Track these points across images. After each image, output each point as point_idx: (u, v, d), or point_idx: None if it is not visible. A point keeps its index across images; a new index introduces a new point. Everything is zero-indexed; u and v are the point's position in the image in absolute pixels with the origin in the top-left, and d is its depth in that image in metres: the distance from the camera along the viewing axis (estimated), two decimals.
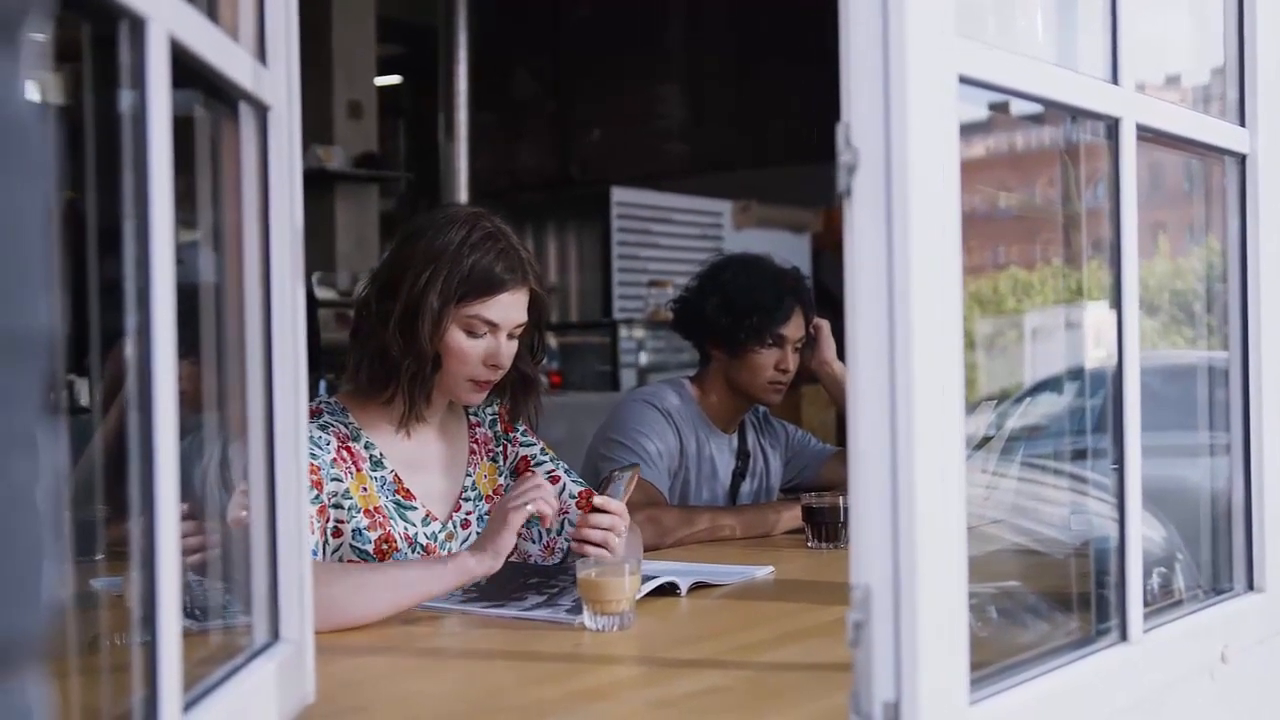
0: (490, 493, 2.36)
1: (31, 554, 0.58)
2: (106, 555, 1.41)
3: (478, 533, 2.29)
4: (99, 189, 1.05)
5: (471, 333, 2.19)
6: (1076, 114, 1.56)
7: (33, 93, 0.60)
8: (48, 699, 0.61)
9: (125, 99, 1.02)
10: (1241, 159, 1.81)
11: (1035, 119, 1.73)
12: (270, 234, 1.37)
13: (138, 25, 1.00)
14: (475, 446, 2.38)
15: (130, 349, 1.02)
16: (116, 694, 1.14)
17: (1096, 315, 1.90)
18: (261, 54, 1.35)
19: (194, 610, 1.38)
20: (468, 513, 2.33)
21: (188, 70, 1.12)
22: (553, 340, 7.81)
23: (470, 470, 2.36)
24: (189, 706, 1.10)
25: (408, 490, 2.24)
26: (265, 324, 1.37)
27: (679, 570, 2.20)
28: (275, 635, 1.38)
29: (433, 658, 1.79)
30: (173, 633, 1.03)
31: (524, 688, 1.61)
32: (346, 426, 2.21)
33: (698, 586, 2.18)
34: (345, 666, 1.69)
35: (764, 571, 2.35)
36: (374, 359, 2.20)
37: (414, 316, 2.16)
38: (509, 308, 2.21)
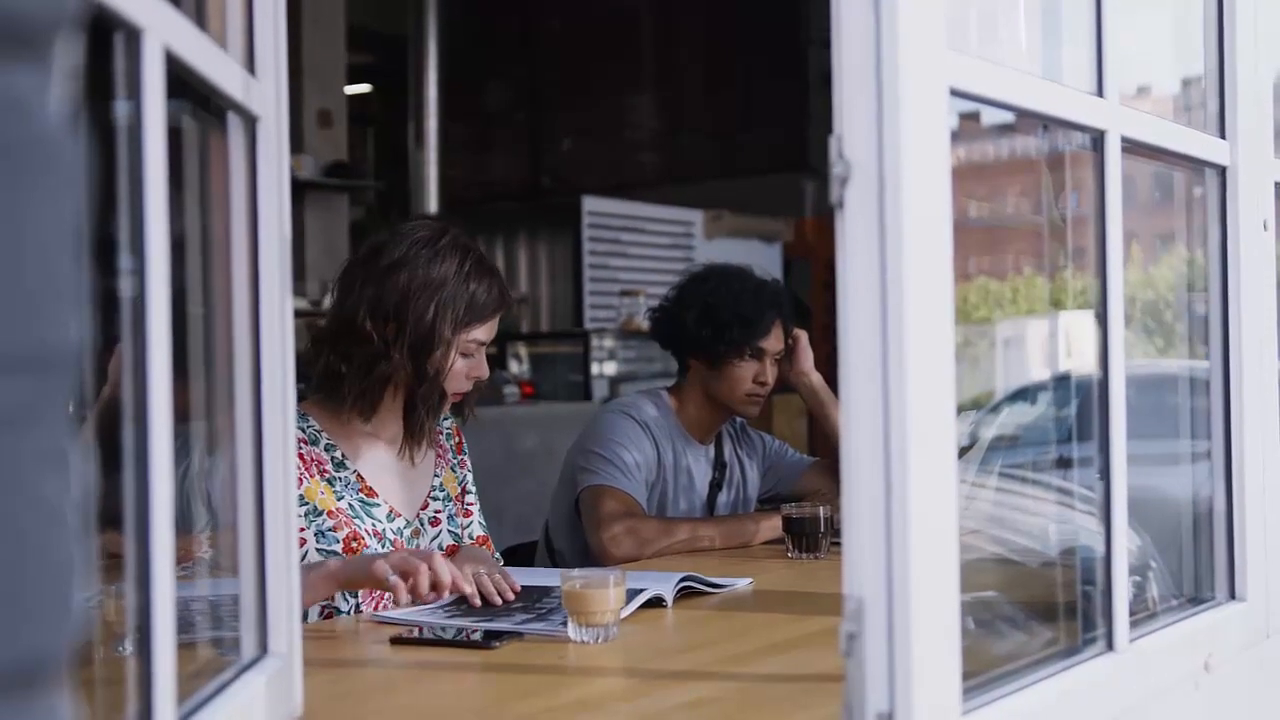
0: (454, 496, 2.45)
1: (63, 570, 0.58)
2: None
3: (449, 530, 2.40)
4: (91, 198, 1.04)
5: (465, 354, 2.30)
6: (1063, 126, 1.57)
7: (63, 106, 0.60)
8: (78, 714, 0.60)
9: (120, 109, 1.01)
10: (1222, 170, 1.82)
11: (1005, 128, 1.74)
12: (259, 245, 1.36)
13: (133, 36, 0.99)
14: (440, 450, 2.46)
15: (126, 357, 1.01)
16: (108, 708, 1.13)
17: (1070, 325, 1.91)
18: (251, 65, 1.35)
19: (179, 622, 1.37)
20: (436, 511, 2.40)
21: (178, 80, 1.11)
22: (524, 350, 7.79)
23: (438, 472, 2.44)
24: None
25: (370, 488, 2.30)
26: (254, 336, 1.36)
27: (661, 579, 2.20)
28: (264, 649, 1.37)
29: (420, 671, 1.78)
30: (167, 647, 1.02)
31: (511, 701, 1.61)
32: (304, 431, 2.24)
33: (685, 591, 2.19)
34: (333, 680, 1.68)
35: (744, 583, 2.35)
36: (375, 384, 2.25)
37: (426, 347, 2.24)
38: (495, 326, 2.35)
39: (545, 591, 2.18)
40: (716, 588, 2.27)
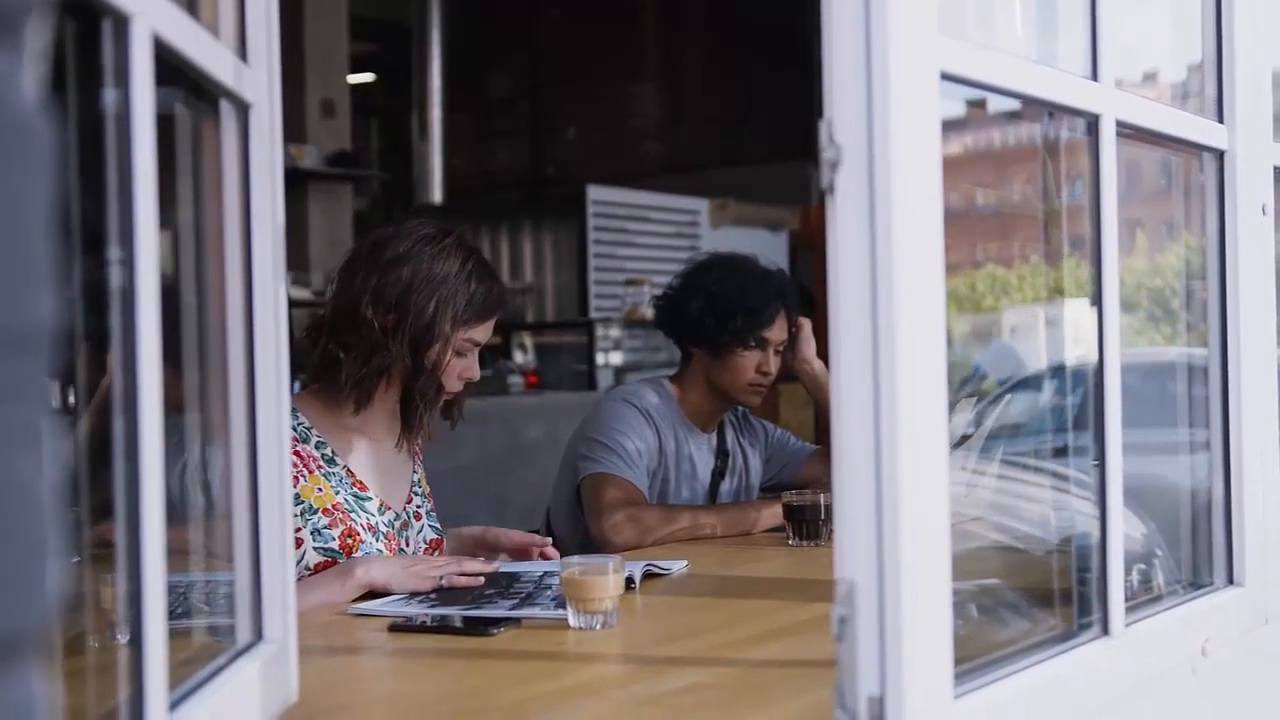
0: (427, 494, 2.50)
1: (36, 549, 0.58)
2: (85, 558, 1.40)
3: (430, 525, 2.45)
4: (80, 188, 1.05)
5: (459, 353, 2.33)
6: (1057, 110, 1.56)
7: (35, 88, 0.60)
8: (49, 693, 0.61)
9: (108, 96, 1.02)
10: (1220, 155, 1.82)
11: (1012, 116, 1.73)
12: (252, 233, 1.36)
13: (121, 22, 0.99)
14: (417, 450, 2.50)
15: (116, 347, 1.01)
16: (100, 694, 1.13)
17: (1075, 313, 1.91)
18: (243, 51, 1.35)
19: (174, 609, 1.37)
20: (417, 506, 2.45)
21: (169, 68, 1.11)
22: (529, 340, 7.80)
23: (416, 469, 2.48)
24: (174, 706, 1.10)
25: (361, 482, 2.33)
26: (247, 324, 1.36)
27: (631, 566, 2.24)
28: (259, 635, 1.37)
29: (416, 658, 1.79)
30: (158, 633, 1.02)
31: (508, 686, 1.61)
32: (294, 429, 2.25)
33: (649, 576, 2.25)
34: (328, 666, 1.69)
35: (679, 565, 2.39)
36: (371, 374, 2.27)
37: (425, 342, 2.27)
38: (491, 328, 2.38)
39: (515, 578, 2.21)
40: (665, 570, 2.32)
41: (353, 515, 2.27)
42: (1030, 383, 2.55)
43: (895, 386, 1.16)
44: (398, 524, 2.36)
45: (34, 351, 0.58)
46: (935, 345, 1.22)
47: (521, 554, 2.43)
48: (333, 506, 2.25)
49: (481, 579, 2.15)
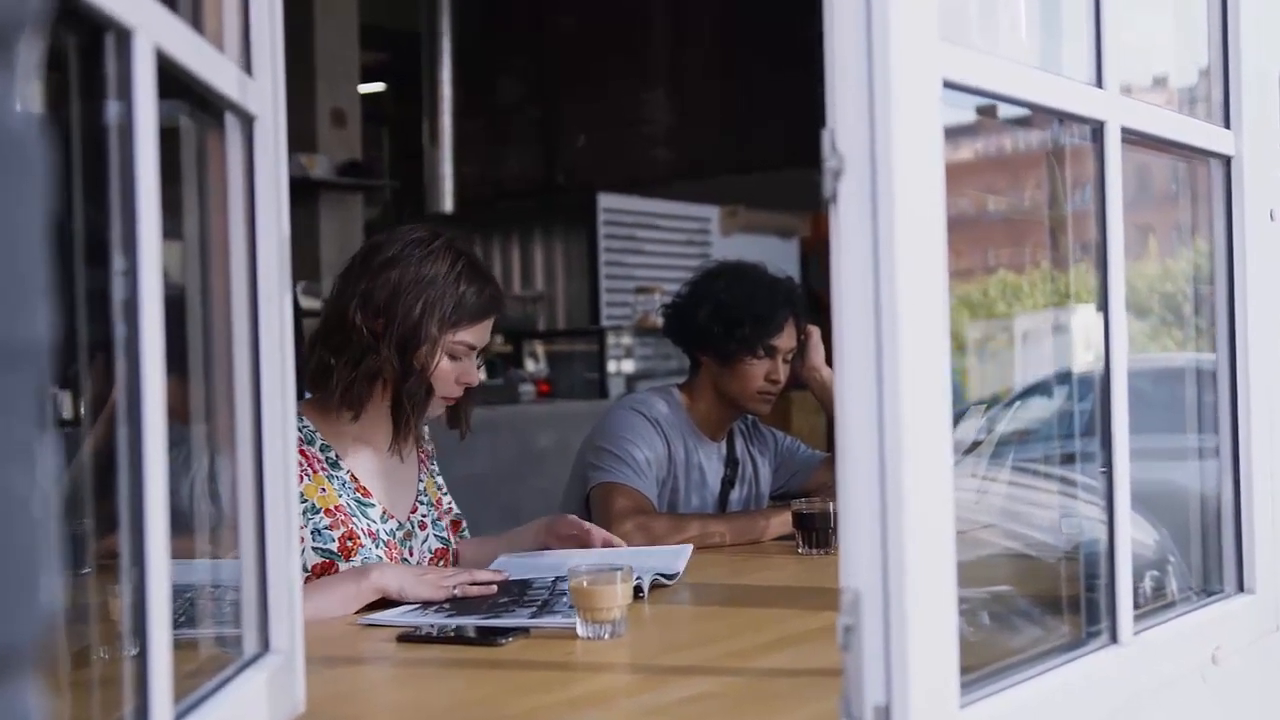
0: (435, 501, 2.49)
1: (30, 563, 0.58)
2: (94, 570, 1.41)
3: (434, 535, 2.45)
4: (83, 199, 1.05)
5: (453, 356, 2.32)
6: (1061, 117, 1.56)
7: (29, 104, 0.60)
8: (45, 707, 0.61)
9: (111, 109, 1.02)
10: (1226, 160, 1.81)
11: (1022, 122, 1.73)
12: (257, 245, 1.37)
13: (124, 36, 0.99)
14: (422, 458, 2.50)
15: (119, 358, 1.01)
16: (106, 706, 1.14)
17: (1085, 319, 1.90)
18: (247, 64, 1.35)
19: (180, 619, 1.37)
20: (423, 515, 2.45)
21: (173, 81, 1.11)
22: (540, 348, 7.80)
23: (421, 477, 2.48)
24: (179, 718, 1.10)
25: (365, 488, 2.33)
26: (253, 335, 1.36)
27: (653, 554, 2.28)
28: (265, 646, 1.37)
29: (424, 668, 1.78)
30: (163, 644, 1.02)
31: (517, 696, 1.61)
32: (300, 431, 2.26)
33: (656, 586, 2.23)
34: (336, 677, 1.69)
35: (685, 551, 2.43)
36: (362, 378, 2.28)
37: (412, 343, 2.27)
38: (488, 331, 2.37)
39: (527, 585, 2.20)
40: (671, 579, 2.30)
41: (354, 519, 2.27)
42: (1041, 389, 2.54)
43: (898, 394, 1.16)
44: (400, 533, 2.36)
45: (29, 367, 0.58)
46: (938, 353, 1.21)
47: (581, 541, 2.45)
48: (335, 508, 2.25)
49: (494, 588, 2.15)
